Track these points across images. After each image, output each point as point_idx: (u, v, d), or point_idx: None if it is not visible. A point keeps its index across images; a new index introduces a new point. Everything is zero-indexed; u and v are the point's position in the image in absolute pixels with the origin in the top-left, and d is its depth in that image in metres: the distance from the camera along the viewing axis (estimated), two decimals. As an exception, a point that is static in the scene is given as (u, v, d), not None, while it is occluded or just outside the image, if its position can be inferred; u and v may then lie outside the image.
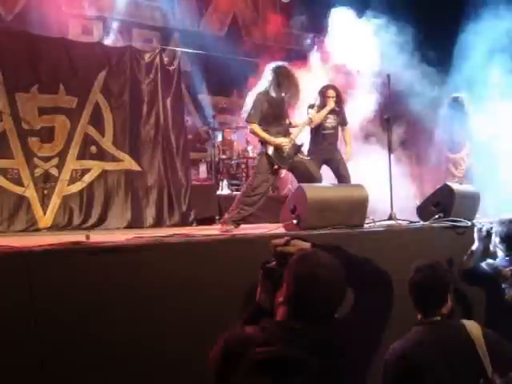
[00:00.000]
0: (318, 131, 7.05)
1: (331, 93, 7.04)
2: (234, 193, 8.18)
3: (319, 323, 2.05)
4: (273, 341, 2.00)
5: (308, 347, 1.98)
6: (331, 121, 7.13)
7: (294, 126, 6.17)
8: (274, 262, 2.37)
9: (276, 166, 5.86)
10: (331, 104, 6.99)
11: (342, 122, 7.31)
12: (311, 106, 6.68)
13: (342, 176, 6.94)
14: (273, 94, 5.90)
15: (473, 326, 3.11)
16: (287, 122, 6.16)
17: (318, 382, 1.97)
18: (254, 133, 6.00)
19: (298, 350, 1.96)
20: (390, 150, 6.56)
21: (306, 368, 1.94)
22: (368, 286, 2.29)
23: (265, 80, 6.00)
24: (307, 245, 2.33)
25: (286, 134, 6.02)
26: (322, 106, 6.96)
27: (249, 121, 5.96)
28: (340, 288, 2.13)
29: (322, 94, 7.06)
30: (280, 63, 6.10)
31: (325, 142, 7.09)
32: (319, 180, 5.96)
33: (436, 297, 3.21)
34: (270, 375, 1.92)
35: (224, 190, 8.73)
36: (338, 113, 7.19)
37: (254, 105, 5.90)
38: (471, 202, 6.00)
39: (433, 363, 2.93)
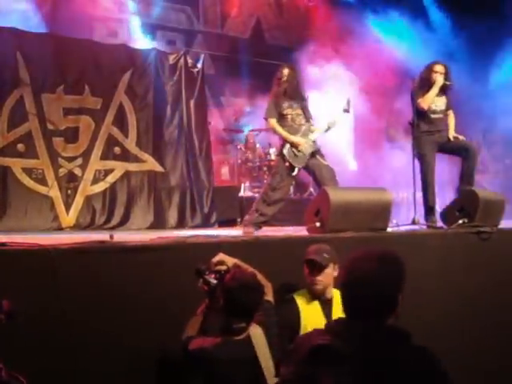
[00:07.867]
0: (425, 116, 6.14)
1: (439, 68, 6.16)
2: (256, 195, 8.18)
3: (364, 320, 1.99)
4: (325, 333, 2.03)
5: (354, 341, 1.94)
6: (440, 104, 6.23)
7: (313, 130, 6.05)
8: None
9: (287, 164, 5.86)
10: (440, 80, 6.07)
11: (449, 105, 6.30)
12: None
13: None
14: (287, 95, 6.02)
15: None
16: (308, 122, 6.10)
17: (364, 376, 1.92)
18: (272, 128, 6.13)
19: (346, 343, 1.94)
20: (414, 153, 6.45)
21: (349, 360, 1.91)
22: None
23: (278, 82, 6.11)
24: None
25: (306, 134, 5.99)
26: (428, 83, 6.13)
27: (267, 117, 6.07)
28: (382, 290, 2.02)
29: (429, 68, 6.19)
30: (285, 68, 6.12)
31: (435, 129, 6.18)
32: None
33: None
34: (318, 362, 1.95)
35: (246, 192, 8.73)
36: (447, 92, 6.26)
37: (272, 103, 6.04)
38: (496, 208, 5.91)
39: None
